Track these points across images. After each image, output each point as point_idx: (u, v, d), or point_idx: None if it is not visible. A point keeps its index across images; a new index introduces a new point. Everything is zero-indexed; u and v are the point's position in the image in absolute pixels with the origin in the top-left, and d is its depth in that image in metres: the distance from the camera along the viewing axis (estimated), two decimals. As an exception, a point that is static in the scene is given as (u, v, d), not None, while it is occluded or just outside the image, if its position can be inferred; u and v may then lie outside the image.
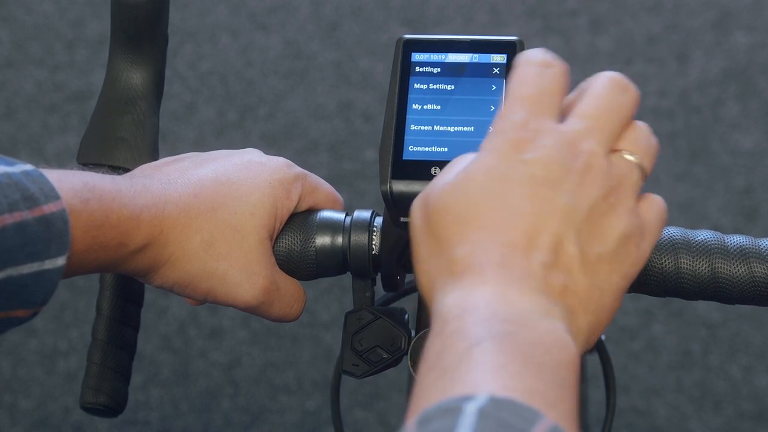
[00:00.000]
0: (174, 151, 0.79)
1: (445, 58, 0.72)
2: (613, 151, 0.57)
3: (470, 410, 0.46)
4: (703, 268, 0.71)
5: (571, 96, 0.59)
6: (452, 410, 0.46)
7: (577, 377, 0.52)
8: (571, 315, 0.54)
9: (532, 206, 0.54)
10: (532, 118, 0.56)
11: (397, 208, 0.70)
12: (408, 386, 1.45)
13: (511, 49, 0.71)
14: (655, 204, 0.59)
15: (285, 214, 0.76)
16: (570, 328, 0.53)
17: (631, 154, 0.57)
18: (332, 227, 0.76)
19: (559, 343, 0.52)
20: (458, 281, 0.53)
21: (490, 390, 0.47)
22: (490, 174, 0.55)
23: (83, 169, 0.71)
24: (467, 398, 0.47)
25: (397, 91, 0.71)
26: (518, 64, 0.58)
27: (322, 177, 0.80)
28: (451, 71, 0.71)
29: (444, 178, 0.57)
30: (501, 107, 0.57)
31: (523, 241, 0.54)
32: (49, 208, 0.63)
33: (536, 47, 0.60)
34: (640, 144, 0.58)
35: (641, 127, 0.59)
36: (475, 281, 0.53)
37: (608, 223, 0.55)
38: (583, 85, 0.59)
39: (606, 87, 0.58)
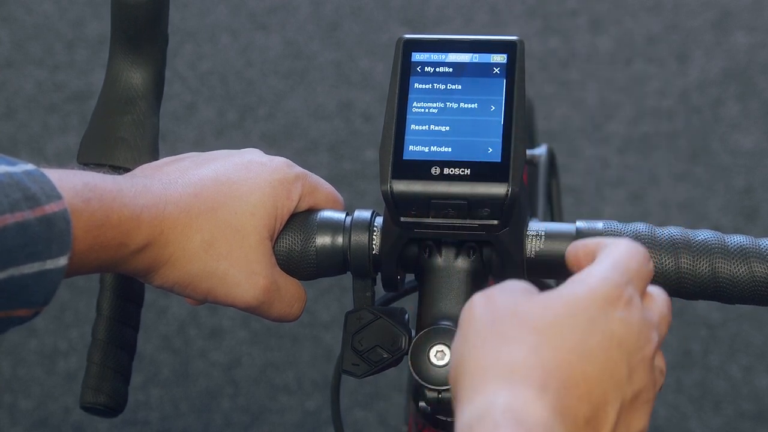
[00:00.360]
0: (174, 151, 0.79)
1: (445, 58, 0.72)
2: None
3: None
4: (704, 268, 0.71)
5: None
6: None
7: None
8: None
9: (602, 359, 0.56)
10: (632, 288, 0.59)
11: (398, 207, 0.70)
12: (408, 386, 1.45)
13: (511, 49, 0.71)
14: None
15: (285, 214, 0.76)
16: None
17: (659, 365, 0.62)
18: (332, 227, 0.76)
19: None
20: (516, 386, 0.54)
21: None
22: (579, 308, 0.57)
23: (84, 169, 0.71)
24: None
25: (397, 91, 0.71)
26: (630, 244, 0.62)
27: (322, 177, 0.80)
28: (451, 71, 0.71)
29: (519, 286, 0.59)
30: (610, 256, 0.60)
31: (583, 387, 0.55)
32: (50, 207, 0.63)
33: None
34: (663, 366, 0.63)
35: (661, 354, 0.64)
36: (533, 397, 0.54)
37: (637, 414, 0.59)
38: (651, 292, 0.63)
39: (667, 302, 0.63)
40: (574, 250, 0.64)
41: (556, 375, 0.55)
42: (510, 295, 0.58)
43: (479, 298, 0.59)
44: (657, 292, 0.63)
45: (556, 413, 0.54)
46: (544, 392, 0.54)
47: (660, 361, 0.62)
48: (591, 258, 0.62)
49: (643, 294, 0.62)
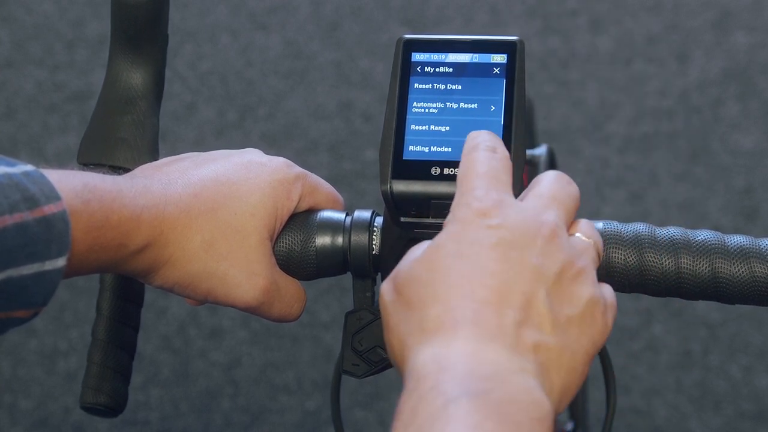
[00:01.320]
0: (174, 151, 0.79)
1: (445, 58, 0.72)
2: (569, 234, 0.62)
3: None
4: (704, 268, 0.71)
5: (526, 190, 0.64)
6: None
7: None
8: (545, 372, 0.55)
9: (502, 266, 0.56)
10: (492, 190, 0.60)
11: (398, 207, 0.70)
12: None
13: (511, 49, 0.71)
14: (608, 287, 0.63)
15: (285, 215, 0.76)
16: (543, 385, 0.55)
17: (586, 236, 0.62)
18: (332, 227, 0.76)
19: (532, 399, 0.53)
20: (431, 338, 0.55)
21: None
22: (458, 241, 0.58)
23: (83, 170, 0.71)
24: None
25: (397, 91, 0.71)
26: (467, 151, 0.63)
27: (322, 177, 0.80)
28: (451, 71, 0.71)
29: (409, 256, 0.60)
30: (459, 186, 0.61)
31: (495, 299, 0.55)
32: (49, 208, 0.63)
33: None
34: (591, 232, 0.63)
35: (587, 221, 0.64)
36: (449, 338, 0.54)
37: (576, 287, 0.58)
38: (533, 180, 0.64)
39: (556, 177, 0.63)
40: None
41: (464, 306, 0.55)
42: (406, 268, 0.59)
43: (384, 285, 0.60)
44: (538, 180, 0.63)
45: (481, 340, 0.54)
46: (458, 330, 0.54)
47: (583, 229, 0.62)
48: None
49: (510, 185, 0.61)
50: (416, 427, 0.51)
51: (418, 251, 0.59)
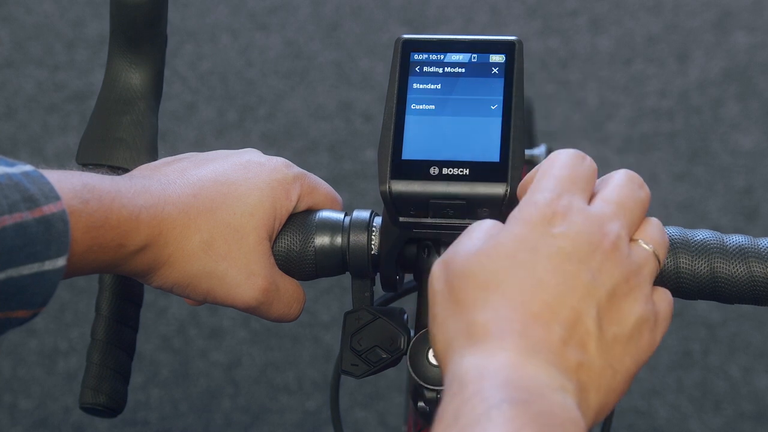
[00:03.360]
0: (174, 151, 0.79)
1: (444, 58, 0.72)
2: (632, 240, 0.60)
3: None
4: (703, 267, 0.71)
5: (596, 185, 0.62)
6: None
7: None
8: (583, 392, 0.55)
9: (556, 279, 0.56)
10: (565, 196, 0.58)
11: (396, 208, 0.70)
12: (407, 386, 1.45)
13: (510, 49, 0.71)
14: (665, 295, 0.62)
15: (284, 215, 0.76)
16: (580, 405, 0.54)
17: (648, 244, 0.60)
18: (331, 227, 0.76)
19: (569, 417, 0.53)
20: (478, 345, 0.55)
21: None
22: (518, 243, 0.57)
23: (83, 170, 0.71)
24: None
25: (396, 91, 0.71)
26: (557, 152, 0.61)
27: (321, 177, 0.80)
28: (450, 71, 0.71)
29: (468, 244, 0.58)
30: (535, 181, 0.60)
31: (544, 314, 0.55)
32: (49, 209, 0.63)
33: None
34: (655, 237, 0.61)
35: (656, 222, 0.62)
36: (495, 347, 0.54)
37: (627, 305, 0.58)
38: (604, 177, 0.62)
39: (627, 180, 0.62)
40: (522, 183, 0.63)
41: (513, 318, 0.55)
42: (462, 259, 0.58)
43: (436, 269, 0.59)
44: (609, 180, 0.61)
45: (526, 354, 0.54)
46: (505, 340, 0.54)
47: (647, 234, 0.60)
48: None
49: (589, 193, 0.60)
50: (459, 429, 0.51)
51: (477, 241, 0.58)
